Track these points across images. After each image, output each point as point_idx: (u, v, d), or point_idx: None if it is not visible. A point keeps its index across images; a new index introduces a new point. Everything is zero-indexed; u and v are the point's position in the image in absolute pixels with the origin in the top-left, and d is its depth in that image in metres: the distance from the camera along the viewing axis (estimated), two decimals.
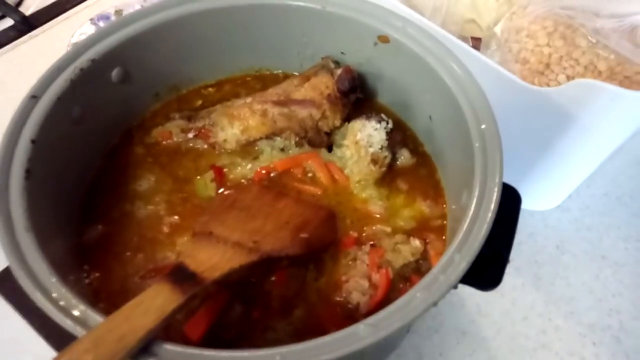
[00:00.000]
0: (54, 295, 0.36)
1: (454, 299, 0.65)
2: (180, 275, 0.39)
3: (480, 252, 0.39)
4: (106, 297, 0.48)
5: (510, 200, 0.45)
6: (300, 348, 0.34)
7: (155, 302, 0.36)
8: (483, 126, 0.46)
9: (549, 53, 0.64)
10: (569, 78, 0.63)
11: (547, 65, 0.64)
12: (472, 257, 0.38)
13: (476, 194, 0.42)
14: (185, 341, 0.45)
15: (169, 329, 0.45)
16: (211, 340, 0.45)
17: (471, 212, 0.41)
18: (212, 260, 0.42)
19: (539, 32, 0.65)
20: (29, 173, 0.44)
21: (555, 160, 0.66)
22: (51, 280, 0.37)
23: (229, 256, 0.43)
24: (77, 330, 0.34)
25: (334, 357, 0.33)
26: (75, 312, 0.35)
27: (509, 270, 0.45)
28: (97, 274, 0.50)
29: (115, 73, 0.56)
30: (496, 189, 0.41)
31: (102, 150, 0.59)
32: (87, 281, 0.49)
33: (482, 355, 0.61)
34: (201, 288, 0.39)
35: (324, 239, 0.51)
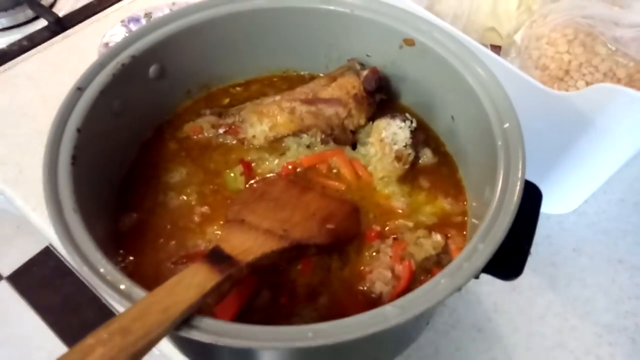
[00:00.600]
0: (102, 270, 0.39)
1: (471, 297, 0.66)
2: (216, 257, 0.41)
3: (502, 244, 0.41)
4: (139, 281, 0.51)
5: (531, 196, 0.47)
6: (332, 325, 0.36)
7: (195, 279, 0.38)
8: (506, 125, 0.48)
9: (569, 60, 0.66)
10: (588, 84, 0.65)
11: (567, 72, 0.66)
12: (496, 245, 0.40)
13: (499, 189, 0.44)
14: None
15: (201, 312, 0.47)
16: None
17: (494, 205, 0.43)
18: (245, 244, 0.44)
19: (559, 40, 0.67)
20: (74, 159, 0.47)
21: (573, 165, 0.67)
22: (97, 256, 0.40)
23: (261, 242, 0.45)
24: (123, 303, 0.37)
25: (363, 335, 0.35)
26: (122, 286, 0.38)
27: (526, 270, 0.47)
28: (131, 258, 0.52)
29: (152, 69, 0.59)
30: (519, 183, 0.43)
31: (137, 143, 0.61)
32: (122, 265, 0.51)
33: (498, 352, 0.62)
34: (236, 269, 0.41)
35: (349, 231, 0.53)
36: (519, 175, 0.44)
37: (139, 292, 0.38)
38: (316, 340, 0.35)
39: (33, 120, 0.86)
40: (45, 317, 1.66)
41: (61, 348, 1.58)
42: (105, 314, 1.26)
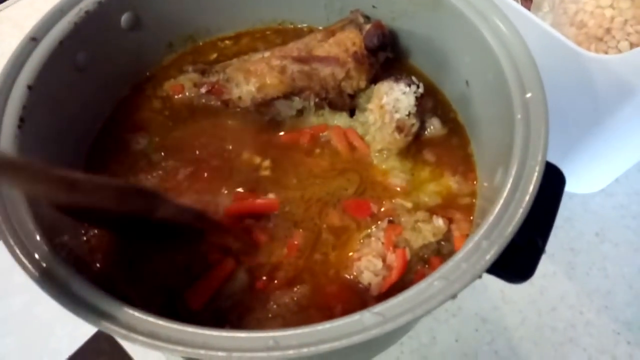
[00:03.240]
0: (36, 256, 0.33)
1: (476, 282, 0.60)
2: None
3: (511, 240, 0.34)
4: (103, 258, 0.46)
5: (552, 182, 0.39)
6: (296, 333, 0.30)
7: None
8: (528, 95, 0.40)
9: (612, 16, 0.56)
10: (632, 46, 0.55)
11: (608, 30, 0.56)
12: (503, 245, 0.33)
13: (513, 172, 0.37)
14: (187, 310, 0.43)
15: (176, 296, 0.43)
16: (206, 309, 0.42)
17: (505, 193, 0.36)
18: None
19: None
20: (22, 122, 0.41)
21: (606, 139, 0.59)
22: (36, 241, 0.35)
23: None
24: (53, 294, 0.32)
25: (331, 349, 0.30)
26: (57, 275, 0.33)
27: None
28: (95, 232, 0.47)
29: (124, 18, 0.52)
30: (537, 168, 0.36)
31: (110, 101, 0.55)
32: (84, 239, 0.46)
33: (501, 345, 0.57)
34: (41, 169, 0.30)
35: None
36: (539, 158, 0.36)
37: (78, 286, 0.33)
38: (275, 352, 0.29)
39: None
40: None
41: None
42: None
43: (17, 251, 0.33)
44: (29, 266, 0.33)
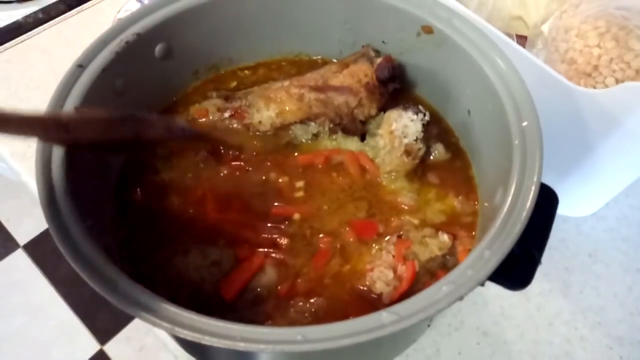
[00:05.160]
0: (87, 255, 0.38)
1: (477, 299, 0.64)
2: None
3: (511, 251, 0.38)
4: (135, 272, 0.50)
5: (546, 201, 0.44)
6: (321, 329, 0.34)
7: None
8: (524, 123, 0.45)
9: (599, 54, 0.62)
10: (617, 82, 0.60)
11: (596, 67, 0.62)
12: (503, 254, 0.37)
13: (512, 192, 0.42)
14: (220, 301, 0.47)
15: (203, 290, 0.47)
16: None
17: (505, 210, 0.40)
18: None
19: (590, 32, 0.62)
20: None
21: (595, 166, 0.63)
22: (86, 244, 0.39)
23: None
24: (108, 293, 0.35)
25: (353, 342, 0.34)
26: (108, 274, 0.37)
27: (537, 275, 0.44)
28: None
29: (158, 48, 0.57)
30: (533, 188, 0.40)
31: None
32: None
33: (502, 358, 0.60)
34: (37, 117, 0.39)
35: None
36: (534, 179, 0.41)
37: (126, 284, 0.36)
38: (304, 345, 0.33)
39: (45, 94, 0.84)
40: (58, 287, 1.69)
41: (72, 318, 1.61)
42: None
43: (69, 252, 0.37)
44: (79, 265, 0.37)
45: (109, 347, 1.59)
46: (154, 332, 0.60)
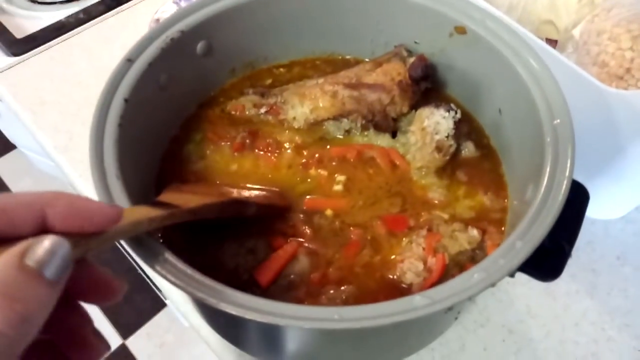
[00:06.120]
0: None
1: (504, 297, 0.64)
2: (156, 203, 0.43)
3: (541, 243, 0.39)
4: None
5: (577, 196, 0.45)
6: (358, 309, 0.36)
7: (136, 211, 0.38)
8: (557, 121, 0.46)
9: (632, 57, 0.62)
10: None
11: (628, 70, 0.62)
12: (535, 245, 0.38)
13: (544, 187, 0.43)
14: (254, 287, 0.49)
15: (237, 276, 0.49)
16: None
17: (537, 203, 0.41)
18: (185, 199, 0.45)
19: (623, 35, 0.63)
20: (120, 128, 0.48)
21: (626, 168, 0.64)
22: None
23: (199, 198, 0.47)
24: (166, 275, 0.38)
25: (389, 322, 0.35)
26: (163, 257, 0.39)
27: (564, 275, 0.45)
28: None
29: (200, 46, 0.60)
30: (565, 182, 0.41)
31: (180, 119, 0.63)
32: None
33: (527, 356, 0.60)
34: (178, 210, 0.42)
35: (279, 202, 0.55)
36: (567, 174, 0.42)
37: (178, 264, 0.39)
38: (341, 323, 0.35)
39: (85, 89, 0.89)
40: None
41: (96, 313, 1.66)
42: (140, 281, 1.31)
43: None
44: (133, 245, 0.39)
45: (130, 342, 1.63)
46: (179, 325, 0.62)
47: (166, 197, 0.46)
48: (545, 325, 0.63)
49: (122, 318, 1.67)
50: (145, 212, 0.38)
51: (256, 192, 0.55)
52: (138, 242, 0.39)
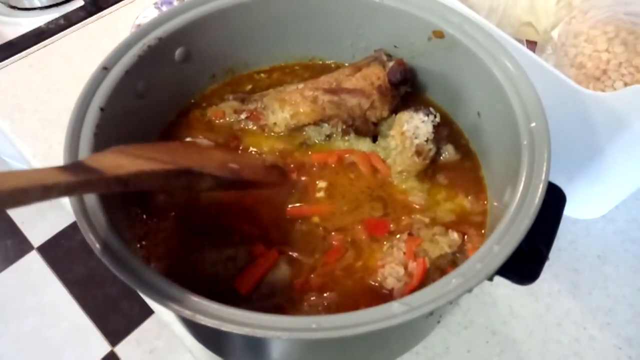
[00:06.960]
0: (113, 247, 0.39)
1: (487, 298, 0.65)
2: (75, 166, 0.36)
3: (519, 247, 0.40)
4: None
5: (554, 199, 0.45)
6: (336, 318, 0.36)
7: (40, 173, 0.32)
8: (533, 124, 0.46)
9: (608, 59, 0.63)
10: (626, 85, 0.61)
11: (604, 72, 0.63)
12: (512, 249, 0.38)
13: (520, 190, 0.43)
14: (235, 295, 0.48)
15: (218, 284, 0.48)
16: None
17: (514, 207, 0.41)
18: (118, 162, 0.38)
19: (599, 37, 0.63)
20: (96, 137, 0.48)
21: (605, 169, 0.64)
22: (109, 234, 0.41)
23: (140, 163, 0.40)
24: (134, 284, 0.37)
25: (367, 330, 0.35)
26: (133, 267, 0.38)
27: (546, 276, 0.45)
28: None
29: (178, 52, 0.60)
30: (541, 186, 0.42)
31: (160, 125, 0.62)
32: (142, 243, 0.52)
33: (511, 356, 0.61)
34: (98, 177, 0.35)
35: (259, 175, 0.51)
36: (542, 177, 0.42)
37: (152, 275, 0.38)
38: (319, 332, 0.35)
39: (65, 97, 0.88)
40: (71, 289, 1.72)
41: (84, 320, 1.64)
42: (128, 287, 1.30)
43: (98, 246, 0.39)
44: (108, 257, 0.38)
45: (119, 349, 1.62)
46: (169, 330, 0.62)
47: (96, 159, 0.38)
48: (528, 325, 0.63)
49: (110, 325, 1.65)
50: (40, 177, 0.31)
51: (233, 165, 0.47)
52: (112, 254, 0.39)
